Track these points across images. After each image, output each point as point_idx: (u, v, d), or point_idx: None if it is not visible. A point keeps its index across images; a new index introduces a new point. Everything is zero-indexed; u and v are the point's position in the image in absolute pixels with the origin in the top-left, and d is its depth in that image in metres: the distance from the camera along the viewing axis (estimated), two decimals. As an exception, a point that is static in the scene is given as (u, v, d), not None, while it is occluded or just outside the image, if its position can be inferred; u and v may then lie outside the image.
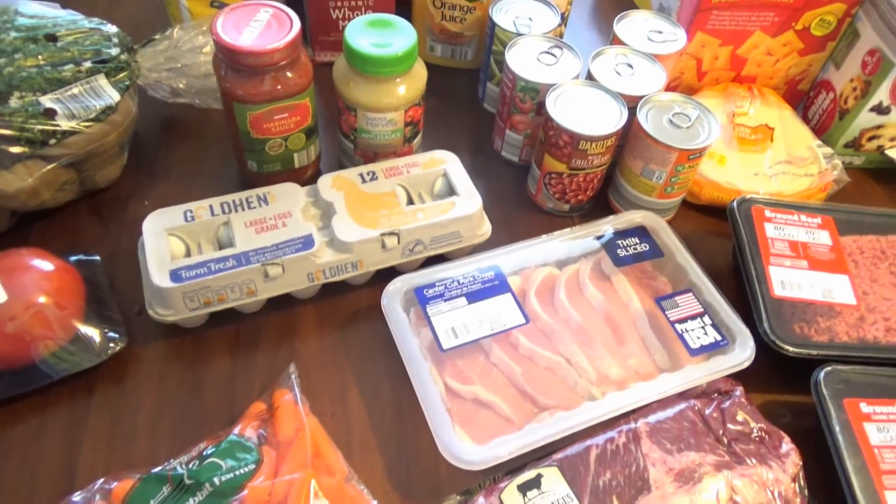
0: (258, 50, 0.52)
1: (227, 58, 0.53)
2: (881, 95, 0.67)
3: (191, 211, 0.53)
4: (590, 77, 0.63)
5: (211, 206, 0.53)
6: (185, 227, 0.52)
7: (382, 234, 0.53)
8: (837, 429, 0.49)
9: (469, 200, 0.57)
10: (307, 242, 0.52)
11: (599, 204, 0.67)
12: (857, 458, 0.48)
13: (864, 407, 0.50)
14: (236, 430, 0.45)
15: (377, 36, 0.56)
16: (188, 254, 0.52)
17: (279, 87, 0.55)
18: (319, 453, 0.46)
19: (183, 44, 0.65)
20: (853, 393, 0.51)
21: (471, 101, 0.76)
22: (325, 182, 0.56)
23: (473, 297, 0.53)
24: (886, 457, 0.48)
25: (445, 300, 0.52)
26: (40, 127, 0.53)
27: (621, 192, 0.65)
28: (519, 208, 0.67)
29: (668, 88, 0.75)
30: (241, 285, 0.50)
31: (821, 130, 0.74)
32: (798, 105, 0.78)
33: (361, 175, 0.57)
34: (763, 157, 0.68)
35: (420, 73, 0.59)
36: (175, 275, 0.49)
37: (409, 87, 0.58)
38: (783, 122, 0.71)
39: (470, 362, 0.52)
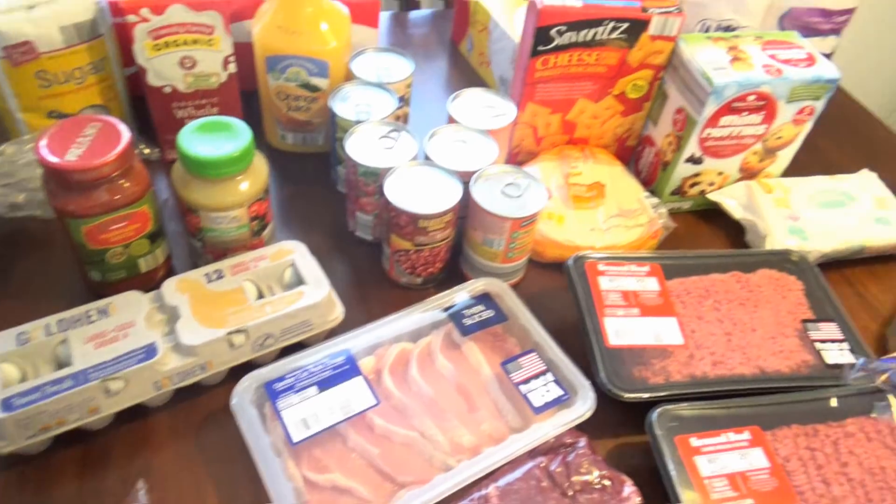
0: (84, 166, 0.53)
1: (54, 176, 0.53)
2: (692, 148, 0.75)
3: (25, 333, 0.52)
4: (427, 157, 0.67)
5: (47, 326, 0.52)
6: (19, 350, 0.51)
7: (229, 333, 0.54)
8: (671, 466, 0.53)
9: (316, 289, 0.58)
10: (149, 352, 0.52)
11: (453, 273, 0.70)
12: (691, 492, 0.52)
13: (695, 441, 0.55)
14: (79, 559, 0.44)
15: (211, 138, 0.58)
16: (24, 378, 0.51)
17: (115, 197, 0.55)
18: (172, 569, 0.45)
19: (18, 158, 0.64)
20: (684, 429, 0.55)
21: (326, 184, 0.78)
22: (170, 286, 0.56)
23: (324, 384, 0.54)
24: (717, 486, 0.52)
25: (296, 392, 0.53)
26: None
27: (469, 260, 0.68)
28: (377, 285, 0.69)
29: (511, 155, 0.81)
30: (80, 405, 0.50)
31: (650, 181, 0.81)
32: (630, 160, 0.85)
33: (207, 275, 0.58)
34: (597, 213, 0.74)
35: (260, 168, 0.61)
36: (6, 404, 0.47)
37: (251, 183, 0.60)
38: (613, 177, 0.77)
39: (328, 450, 0.53)
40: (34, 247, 0.67)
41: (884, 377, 0.61)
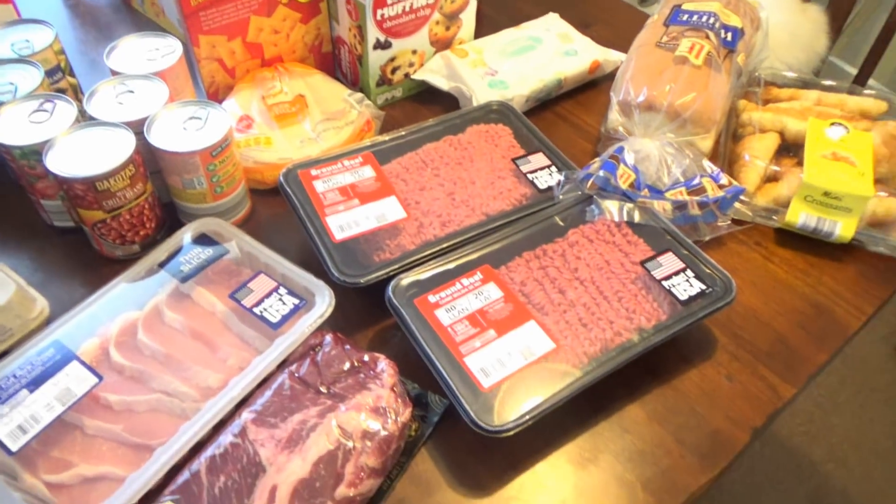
0: None
1: None
2: (374, 34, 0.75)
3: None
4: (91, 118, 0.62)
5: None
6: None
7: None
8: (414, 328, 0.54)
9: (0, 291, 0.53)
10: None
11: (175, 229, 0.66)
12: (436, 343, 0.54)
13: (431, 298, 0.57)
14: None
15: None
16: None
17: None
18: None
19: None
20: (422, 290, 0.57)
21: (7, 186, 0.70)
22: None
23: (35, 383, 0.49)
24: (458, 330, 0.55)
25: (3, 402, 0.48)
26: None
27: (183, 210, 0.65)
28: (95, 270, 0.64)
29: (209, 96, 0.77)
30: None
31: (355, 80, 0.81)
32: (334, 66, 0.84)
33: None
34: (304, 125, 0.72)
35: None
36: None
37: None
38: (313, 87, 0.76)
39: (66, 446, 0.49)
40: None
41: (590, 184, 0.66)
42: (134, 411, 0.51)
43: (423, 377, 0.56)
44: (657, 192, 0.67)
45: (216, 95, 0.78)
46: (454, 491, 0.52)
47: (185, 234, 0.61)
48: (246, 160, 0.69)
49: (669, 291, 0.59)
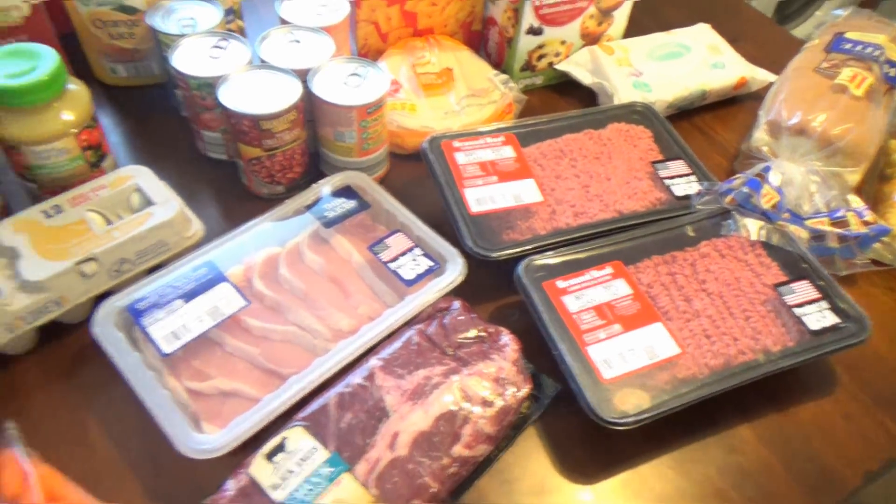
0: None
1: None
2: (529, 19, 0.75)
3: None
4: (261, 61, 0.65)
5: None
6: None
7: (78, 263, 0.52)
8: (541, 309, 0.55)
9: (165, 207, 0.56)
10: (-9, 295, 0.49)
11: (317, 178, 0.69)
12: (561, 327, 0.54)
13: (561, 283, 0.57)
14: (-52, 508, 0.42)
15: (12, 66, 0.54)
16: None
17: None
18: (55, 496, 0.44)
19: None
20: (551, 275, 0.58)
21: (170, 113, 0.75)
22: (5, 229, 0.53)
23: (190, 295, 0.53)
24: (585, 318, 0.55)
25: (161, 307, 0.52)
26: None
27: (328, 160, 0.68)
28: (240, 203, 0.67)
29: (360, 56, 0.79)
30: (-79, 360, 0.47)
31: (499, 61, 0.82)
32: (479, 45, 0.85)
33: (45, 211, 0.55)
34: (449, 97, 0.74)
35: (81, 94, 0.58)
36: None
37: (73, 109, 0.57)
38: (461, 62, 0.77)
39: (206, 359, 0.53)
40: None
41: (729, 199, 0.65)
42: (269, 339, 0.54)
43: (537, 359, 0.57)
44: (798, 218, 0.65)
45: (366, 58, 0.80)
46: (556, 472, 0.53)
47: (329, 185, 0.63)
48: (390, 123, 0.71)
49: (800, 319, 0.58)
